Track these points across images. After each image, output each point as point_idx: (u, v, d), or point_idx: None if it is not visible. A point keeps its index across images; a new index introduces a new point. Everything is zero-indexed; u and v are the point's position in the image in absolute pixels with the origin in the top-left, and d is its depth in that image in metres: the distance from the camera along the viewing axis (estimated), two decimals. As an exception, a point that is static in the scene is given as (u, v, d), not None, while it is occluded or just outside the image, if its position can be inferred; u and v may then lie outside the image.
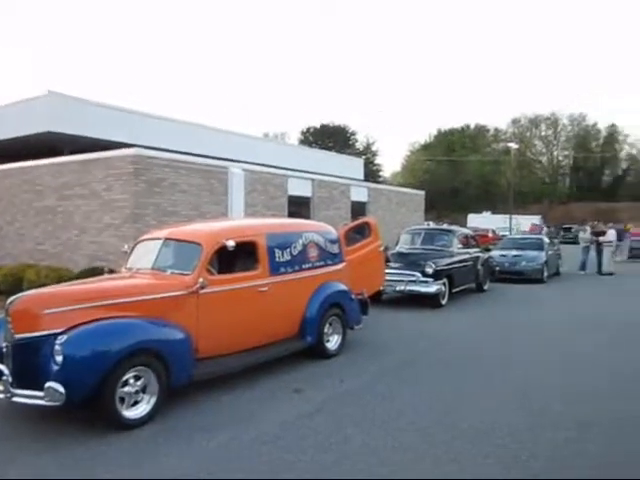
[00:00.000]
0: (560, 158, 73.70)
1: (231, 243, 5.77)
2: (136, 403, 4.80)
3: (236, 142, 21.92)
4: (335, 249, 7.62)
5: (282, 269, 6.51)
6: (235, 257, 6.23)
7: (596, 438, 4.57)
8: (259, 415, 5.08)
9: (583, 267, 18.86)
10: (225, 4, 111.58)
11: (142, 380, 4.82)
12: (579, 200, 64.08)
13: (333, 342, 7.29)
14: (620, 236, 22.18)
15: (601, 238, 19.23)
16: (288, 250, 6.65)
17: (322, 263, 7.25)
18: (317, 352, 7.00)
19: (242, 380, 6.02)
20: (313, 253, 7.10)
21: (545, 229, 40.17)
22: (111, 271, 8.17)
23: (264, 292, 6.19)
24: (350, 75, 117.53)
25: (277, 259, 6.46)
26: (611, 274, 18.17)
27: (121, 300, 5.06)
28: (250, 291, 6.06)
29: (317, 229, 7.59)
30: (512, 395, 5.71)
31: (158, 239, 6.17)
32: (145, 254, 6.11)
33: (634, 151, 70.84)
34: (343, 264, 7.75)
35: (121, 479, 3.89)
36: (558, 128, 72.22)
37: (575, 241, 33.10)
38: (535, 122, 72.66)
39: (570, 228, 43.52)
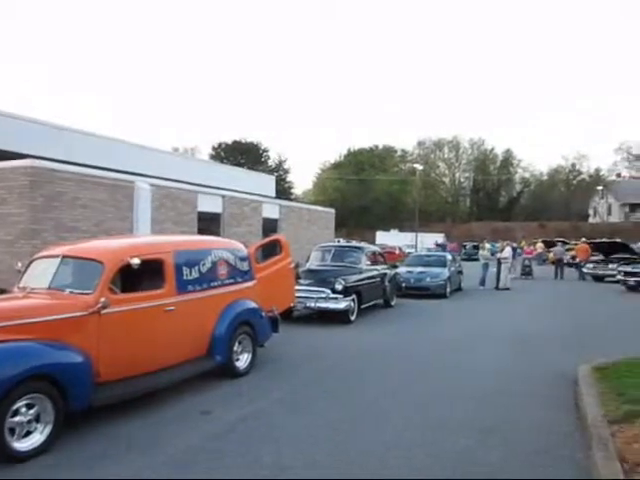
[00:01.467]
0: (462, 179, 77.82)
1: (136, 261, 5.56)
2: (29, 433, 4.47)
3: (144, 156, 21.20)
4: (245, 266, 7.56)
5: (190, 287, 6.36)
6: (140, 275, 6.00)
7: (495, 444, 4.81)
8: (166, 439, 4.90)
9: (483, 283, 19.94)
10: (126, 13, 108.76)
11: (35, 408, 4.50)
12: (479, 219, 67.88)
13: (243, 361, 7.20)
14: (515, 254, 23.71)
15: (498, 255, 20.49)
16: (196, 268, 6.51)
17: (232, 281, 7.17)
18: (227, 371, 6.88)
19: (149, 403, 5.78)
20: (222, 271, 7.00)
21: (452, 246, 42.33)
22: (2, 291, 7.59)
23: (171, 311, 6.01)
24: (263, 93, 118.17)
25: (185, 277, 6.30)
26: (507, 289, 19.35)
27: (13, 322, 4.71)
28: (156, 310, 5.85)
29: (227, 246, 7.51)
30: (414, 407, 5.90)
31: (56, 256, 5.82)
32: (41, 272, 5.74)
33: (527, 174, 76.45)
34: (253, 281, 7.71)
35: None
36: (460, 151, 76.30)
37: (469, 258, 35.13)
38: (439, 145, 76.37)
39: (465, 245, 46.28)
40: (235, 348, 7.00)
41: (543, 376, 7.25)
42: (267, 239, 9.76)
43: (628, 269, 19.31)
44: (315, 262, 13.20)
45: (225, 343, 6.75)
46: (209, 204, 17.10)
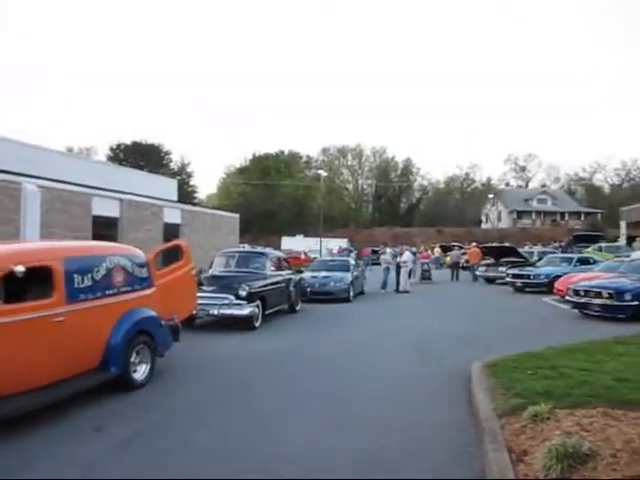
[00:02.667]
0: (364, 186, 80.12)
1: (20, 268, 5.16)
2: None
3: (32, 155, 19.78)
4: (143, 273, 7.25)
5: (82, 296, 5.99)
6: (26, 284, 5.58)
7: (395, 442, 4.94)
8: (55, 458, 4.57)
9: (384, 286, 20.54)
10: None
11: None
12: (381, 225, 70.12)
13: (141, 372, 6.88)
14: (415, 258, 24.63)
15: (398, 259, 21.21)
16: (90, 275, 6.14)
17: (129, 288, 6.85)
18: (123, 383, 6.56)
19: (34, 421, 5.34)
20: (119, 278, 6.66)
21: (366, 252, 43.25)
22: None
23: (60, 322, 5.62)
24: (166, 93, 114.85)
25: (76, 285, 5.92)
26: (407, 292, 20.08)
27: None
28: (43, 321, 5.45)
29: (123, 252, 7.17)
30: (319, 411, 5.94)
31: None
32: None
33: (425, 182, 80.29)
34: (152, 289, 7.40)
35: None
36: (362, 159, 78.53)
37: (370, 262, 36.01)
38: (343, 152, 78.17)
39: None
40: (132, 359, 6.68)
41: (441, 375, 7.50)
42: (167, 244, 9.45)
43: (516, 272, 20.71)
44: (218, 268, 12.96)
45: (121, 354, 6.42)
46: (105, 208, 16.30)
